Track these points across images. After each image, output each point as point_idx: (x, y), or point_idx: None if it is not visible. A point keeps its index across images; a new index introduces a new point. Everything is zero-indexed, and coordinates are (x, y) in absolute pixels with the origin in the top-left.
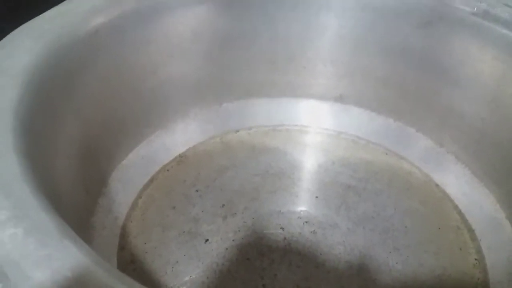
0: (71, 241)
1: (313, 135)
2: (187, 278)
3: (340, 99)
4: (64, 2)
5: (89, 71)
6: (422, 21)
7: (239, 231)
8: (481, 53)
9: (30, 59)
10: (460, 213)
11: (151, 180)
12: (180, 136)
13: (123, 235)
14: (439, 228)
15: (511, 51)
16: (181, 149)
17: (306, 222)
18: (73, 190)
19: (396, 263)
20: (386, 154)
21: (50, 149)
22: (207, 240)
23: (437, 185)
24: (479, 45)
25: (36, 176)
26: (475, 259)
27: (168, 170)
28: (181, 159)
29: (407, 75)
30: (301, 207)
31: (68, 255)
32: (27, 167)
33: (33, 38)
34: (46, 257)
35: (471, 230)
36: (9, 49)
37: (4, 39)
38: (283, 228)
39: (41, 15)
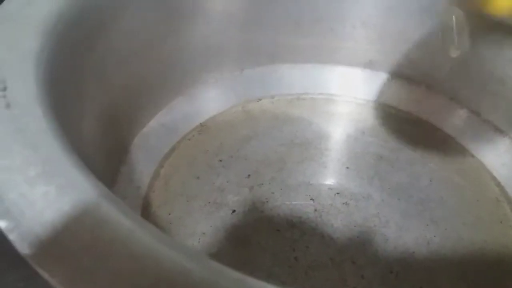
0: (109, 201)
1: (341, 103)
2: (214, 250)
3: (370, 65)
4: None
5: (112, 25)
6: None
7: (267, 201)
8: None
9: (51, 8)
10: (499, 184)
11: (172, 149)
12: (200, 104)
13: (146, 205)
14: (477, 200)
15: None
16: (202, 118)
17: (338, 193)
18: (96, 156)
19: (434, 236)
20: (419, 123)
21: (74, 108)
22: (234, 211)
23: (473, 156)
24: None
25: (63, 133)
26: None
27: (189, 140)
28: (202, 128)
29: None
30: (331, 177)
31: (107, 217)
32: (53, 122)
33: None
34: (85, 219)
35: (511, 203)
36: None
37: None
38: (313, 200)
39: None
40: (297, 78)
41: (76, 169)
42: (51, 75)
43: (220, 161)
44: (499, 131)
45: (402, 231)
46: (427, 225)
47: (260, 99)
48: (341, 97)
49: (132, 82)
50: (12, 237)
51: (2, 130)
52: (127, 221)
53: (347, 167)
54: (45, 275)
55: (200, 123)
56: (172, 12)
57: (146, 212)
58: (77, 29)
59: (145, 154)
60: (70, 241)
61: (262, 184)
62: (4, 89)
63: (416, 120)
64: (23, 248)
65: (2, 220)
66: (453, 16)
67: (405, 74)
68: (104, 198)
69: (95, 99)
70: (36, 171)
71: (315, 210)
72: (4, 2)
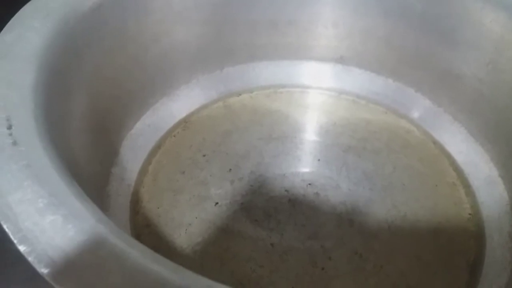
0: (105, 226)
1: (314, 96)
2: (200, 239)
3: (341, 60)
4: None
5: (95, 46)
6: None
7: (246, 194)
8: (480, 16)
9: (40, 41)
10: (456, 170)
11: (159, 147)
12: (183, 102)
13: (136, 200)
14: (436, 185)
15: (509, 14)
16: (185, 115)
17: (309, 184)
18: (89, 164)
19: (395, 219)
20: (385, 113)
21: (67, 129)
22: (216, 203)
23: (434, 143)
24: (478, 8)
25: (60, 158)
26: (469, 214)
27: (174, 136)
28: (186, 124)
29: (407, 37)
30: (304, 169)
31: (104, 239)
32: (52, 152)
33: (40, 18)
34: (86, 242)
35: (466, 187)
36: (19, 31)
37: (12, 21)
38: (287, 191)
39: None
40: (274, 74)
41: (77, 200)
42: (46, 105)
43: (204, 156)
44: (457, 121)
45: (366, 217)
46: (389, 210)
47: (240, 94)
48: (314, 89)
49: (118, 92)
50: (30, 259)
51: (14, 167)
52: (118, 241)
53: (319, 159)
54: None
55: (184, 120)
56: (153, 24)
57: (137, 207)
58: (63, 57)
59: (134, 153)
60: (75, 260)
61: (242, 178)
62: (10, 127)
63: (383, 111)
64: (40, 267)
65: (21, 245)
66: None
67: (373, 68)
68: (101, 223)
69: (84, 114)
70: (44, 203)
71: (289, 200)
72: None
